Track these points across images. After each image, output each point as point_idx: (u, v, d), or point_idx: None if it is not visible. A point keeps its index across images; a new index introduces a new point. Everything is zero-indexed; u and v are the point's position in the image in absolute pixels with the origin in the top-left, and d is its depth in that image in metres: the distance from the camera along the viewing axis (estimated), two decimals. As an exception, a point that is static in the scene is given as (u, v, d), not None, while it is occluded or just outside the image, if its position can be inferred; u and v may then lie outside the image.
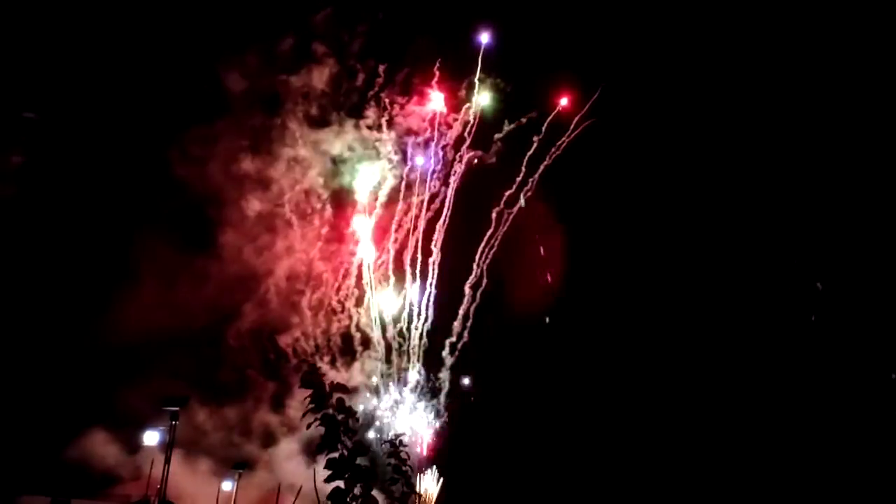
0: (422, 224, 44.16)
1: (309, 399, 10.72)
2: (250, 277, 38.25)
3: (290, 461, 33.30)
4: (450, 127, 43.79)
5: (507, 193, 43.82)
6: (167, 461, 25.15)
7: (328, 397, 9.67)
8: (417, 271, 43.21)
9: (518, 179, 44.00)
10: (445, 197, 44.53)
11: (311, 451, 35.88)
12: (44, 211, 35.28)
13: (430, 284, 43.23)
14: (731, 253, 41.20)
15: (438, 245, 43.82)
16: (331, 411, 9.61)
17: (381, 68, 42.16)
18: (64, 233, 35.27)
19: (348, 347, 38.80)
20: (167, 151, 37.78)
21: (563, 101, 43.66)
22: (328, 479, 9.15)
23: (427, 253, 43.72)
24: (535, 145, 43.66)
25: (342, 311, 39.61)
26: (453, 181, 44.68)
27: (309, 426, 9.40)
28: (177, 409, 25.18)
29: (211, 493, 30.29)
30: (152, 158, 37.97)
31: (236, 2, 40.91)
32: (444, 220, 44.37)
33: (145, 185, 37.19)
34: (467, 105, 43.10)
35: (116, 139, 38.82)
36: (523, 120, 42.43)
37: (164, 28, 39.88)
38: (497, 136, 44.14)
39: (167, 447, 25.61)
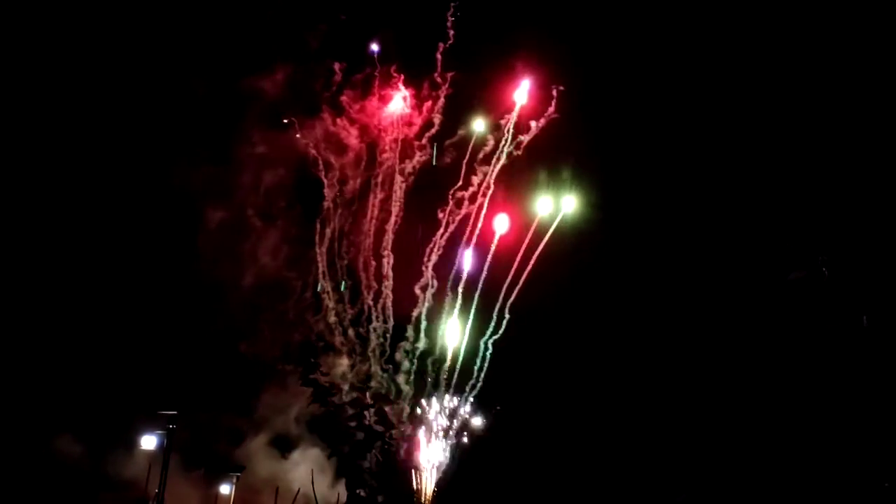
0: (372, 227, 46.49)
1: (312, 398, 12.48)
2: (218, 284, 39.91)
3: (265, 460, 35.50)
4: (410, 125, 45.83)
5: (458, 194, 45.91)
6: (165, 466, 26.82)
7: (329, 394, 11.75)
8: (371, 275, 45.60)
9: (474, 180, 45.96)
10: (398, 199, 46.82)
11: (281, 447, 38.08)
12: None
13: (385, 287, 45.58)
14: (715, 249, 42.94)
15: (389, 248, 46.22)
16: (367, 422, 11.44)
17: (340, 67, 44.21)
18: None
19: (309, 353, 40.94)
20: (127, 158, 39.19)
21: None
22: (350, 486, 10.80)
23: (380, 256, 46.10)
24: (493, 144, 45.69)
25: (301, 323, 41.79)
26: (401, 181, 47.02)
27: (341, 442, 10.91)
28: (174, 412, 26.89)
29: (192, 494, 32.07)
30: (112, 165, 39.30)
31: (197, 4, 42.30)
32: (395, 222, 46.70)
33: (112, 190, 38.56)
34: (427, 103, 45.34)
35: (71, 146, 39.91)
36: (480, 126, 45.03)
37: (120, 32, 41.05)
38: (448, 141, 46.36)
39: (165, 451, 27.27)
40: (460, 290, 44.48)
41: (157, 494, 28.69)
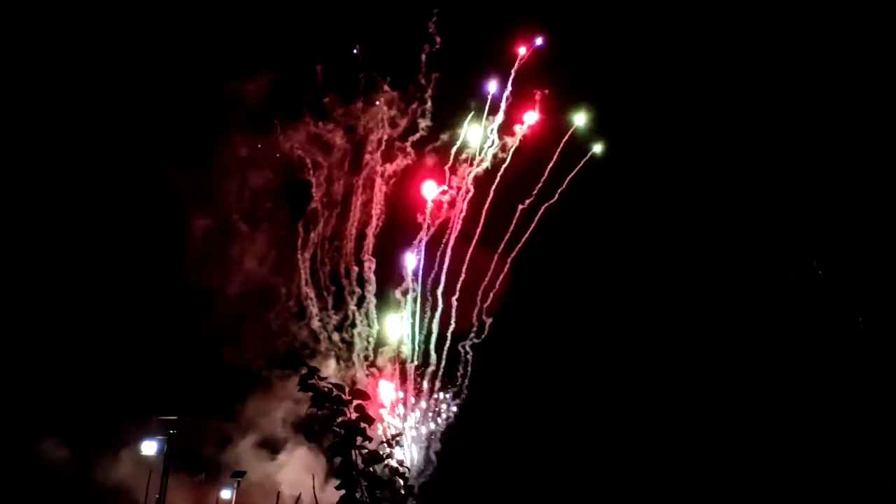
0: (354, 231, 47.47)
1: (311, 403, 12.18)
2: (203, 292, 40.86)
3: (258, 464, 36.77)
4: (394, 127, 46.76)
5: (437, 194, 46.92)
6: (165, 471, 27.82)
7: (327, 399, 9.71)
8: (353, 280, 46.70)
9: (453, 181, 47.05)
10: (379, 202, 47.80)
11: (273, 451, 39.16)
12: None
13: (368, 291, 46.72)
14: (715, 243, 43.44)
15: (370, 251, 47.28)
16: (349, 417, 9.55)
17: (323, 70, 45.09)
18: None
19: (295, 361, 42.12)
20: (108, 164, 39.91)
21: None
22: (340, 486, 9.48)
23: (363, 260, 47.10)
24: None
25: (285, 332, 43.10)
26: (382, 184, 48.00)
27: (323, 432, 11.07)
28: (175, 418, 27.90)
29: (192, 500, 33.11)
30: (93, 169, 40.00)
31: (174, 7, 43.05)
32: (377, 226, 47.73)
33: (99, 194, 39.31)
34: (413, 105, 46.24)
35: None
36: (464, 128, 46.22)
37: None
38: (432, 145, 47.44)
39: (165, 457, 28.28)
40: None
41: (158, 501, 29.54)
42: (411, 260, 46.67)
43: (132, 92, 43.05)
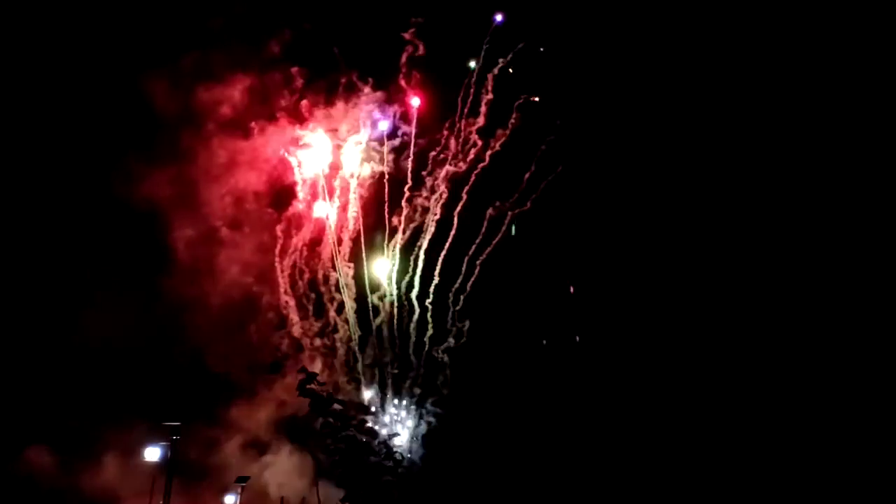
0: (331, 236, 49.25)
1: (310, 408, 13.11)
2: (188, 301, 42.70)
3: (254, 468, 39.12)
4: (373, 130, 48.13)
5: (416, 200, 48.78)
6: (169, 478, 29.69)
7: (328, 404, 12.57)
8: (332, 286, 48.60)
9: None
10: (356, 206, 49.51)
11: (267, 451, 40.78)
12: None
13: (347, 297, 48.65)
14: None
15: (346, 258, 49.17)
16: (352, 432, 12.54)
17: (303, 73, 46.32)
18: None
19: (278, 365, 44.15)
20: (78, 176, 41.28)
21: None
22: (345, 499, 11.42)
23: (340, 267, 48.92)
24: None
25: (266, 343, 45.18)
26: (359, 189, 49.84)
27: (328, 449, 12.27)
28: (178, 424, 29.74)
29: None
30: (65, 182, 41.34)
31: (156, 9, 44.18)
32: (354, 231, 49.55)
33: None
34: (394, 107, 47.74)
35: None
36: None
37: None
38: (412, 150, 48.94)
39: (169, 464, 30.11)
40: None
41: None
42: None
43: (102, 93, 43.92)
